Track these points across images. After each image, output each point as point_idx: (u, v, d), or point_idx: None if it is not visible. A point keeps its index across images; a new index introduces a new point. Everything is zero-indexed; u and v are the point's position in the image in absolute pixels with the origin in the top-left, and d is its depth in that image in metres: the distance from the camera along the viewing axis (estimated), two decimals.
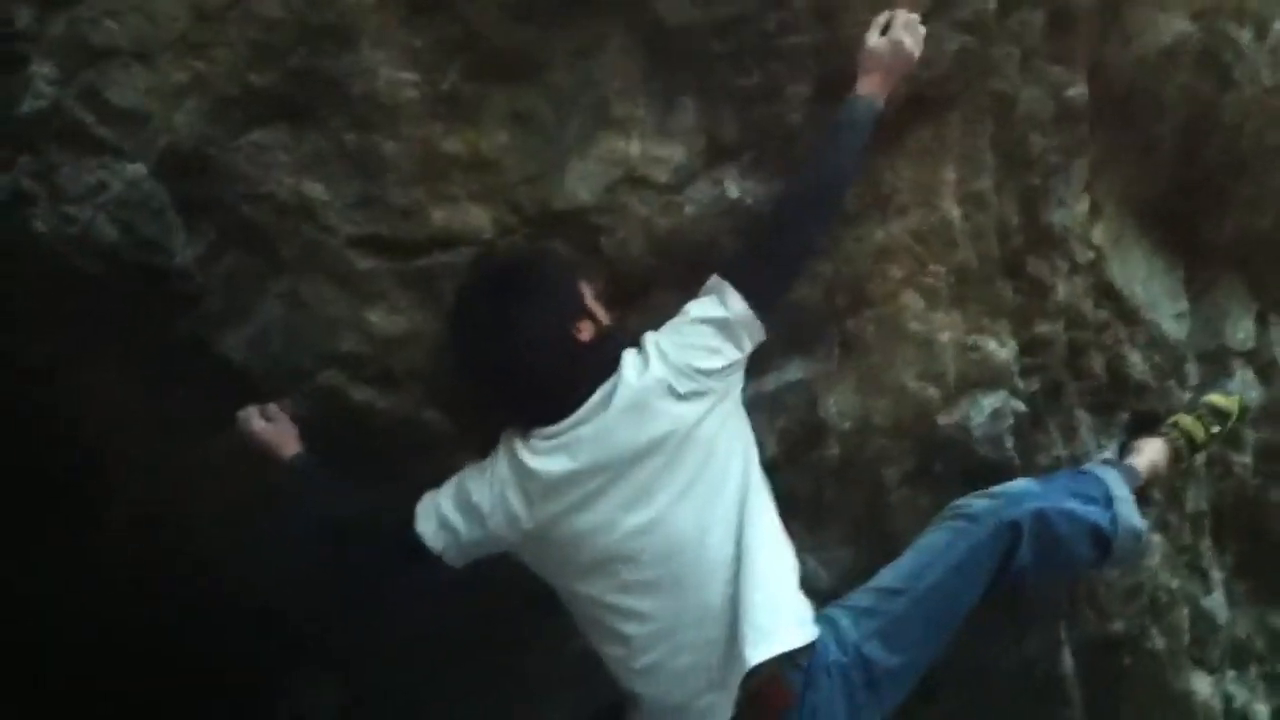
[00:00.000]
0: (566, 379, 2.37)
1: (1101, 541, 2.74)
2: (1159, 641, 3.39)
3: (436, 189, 2.46)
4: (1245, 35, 3.00)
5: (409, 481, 2.61)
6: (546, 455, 2.36)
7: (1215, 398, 3.24)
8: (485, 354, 2.38)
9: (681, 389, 2.33)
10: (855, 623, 2.48)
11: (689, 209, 2.56)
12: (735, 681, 2.34)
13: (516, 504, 2.38)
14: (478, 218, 2.49)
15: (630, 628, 2.40)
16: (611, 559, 2.36)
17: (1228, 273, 3.47)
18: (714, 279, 2.42)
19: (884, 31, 2.47)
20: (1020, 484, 2.78)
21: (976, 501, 2.68)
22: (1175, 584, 3.41)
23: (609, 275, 2.57)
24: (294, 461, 2.58)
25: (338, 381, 2.59)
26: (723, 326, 2.38)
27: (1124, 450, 3.20)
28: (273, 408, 2.59)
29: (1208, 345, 3.44)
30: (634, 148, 2.50)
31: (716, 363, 2.37)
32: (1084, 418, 3.11)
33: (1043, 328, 2.95)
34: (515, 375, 2.37)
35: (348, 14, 2.34)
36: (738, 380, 2.46)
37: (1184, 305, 3.30)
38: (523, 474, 2.37)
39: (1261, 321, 3.59)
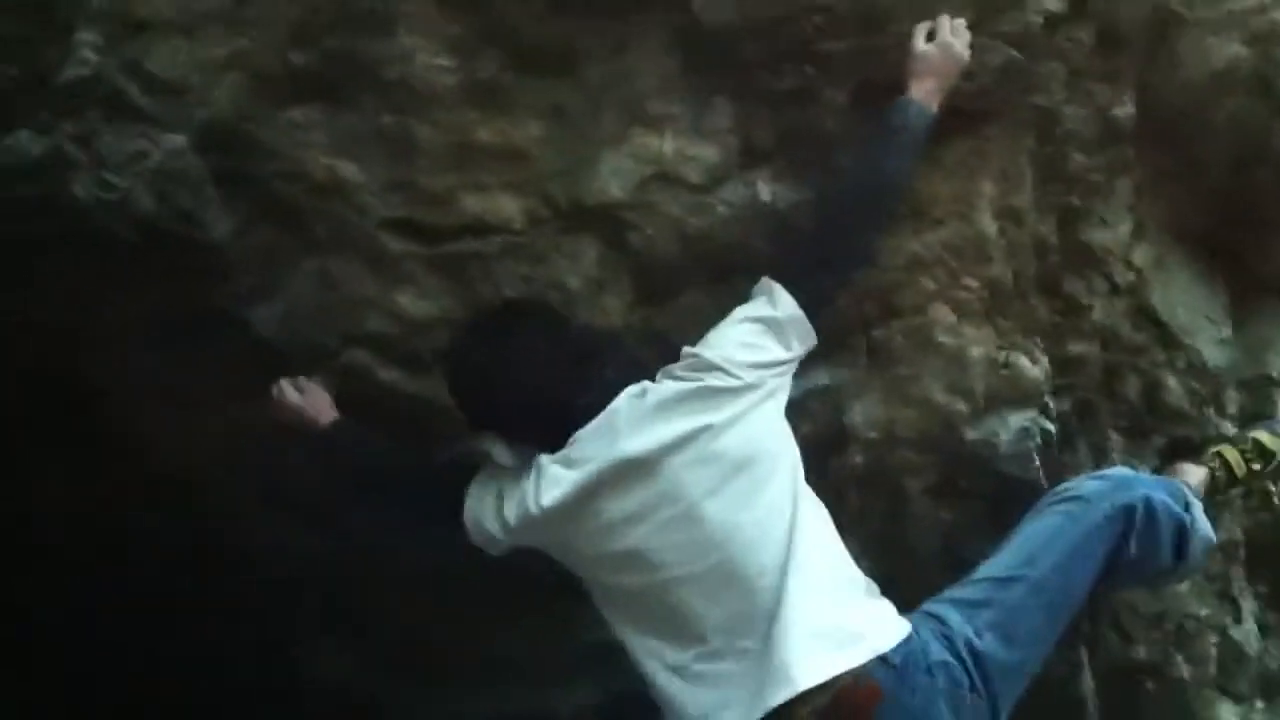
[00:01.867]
0: (577, 393, 2.34)
1: (1180, 545, 2.67)
2: (1184, 669, 3.34)
3: (469, 177, 2.48)
4: None
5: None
6: (570, 468, 2.31)
7: (1263, 435, 3.16)
8: (493, 377, 2.35)
9: (718, 384, 2.28)
10: (967, 618, 2.37)
11: (720, 210, 2.55)
12: (772, 699, 2.23)
13: (540, 516, 2.34)
14: (508, 207, 2.50)
15: (660, 625, 2.35)
16: (640, 552, 2.30)
17: (1275, 301, 3.41)
18: (764, 281, 2.38)
19: (929, 38, 2.45)
20: (1123, 470, 2.74)
21: (1085, 483, 2.63)
22: (1204, 612, 3.36)
23: (637, 274, 2.57)
24: (332, 427, 2.61)
25: (365, 361, 2.63)
26: (771, 325, 2.34)
27: (1160, 474, 3.16)
28: (303, 380, 2.62)
29: (1249, 374, 3.38)
30: (667, 146, 2.51)
31: (760, 357, 2.32)
32: (1116, 440, 3.07)
33: (1077, 347, 2.91)
34: (521, 394, 2.34)
35: None
36: (783, 385, 2.39)
37: (1227, 332, 3.25)
38: (548, 484, 2.32)
39: None
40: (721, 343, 2.34)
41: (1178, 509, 2.67)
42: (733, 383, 2.29)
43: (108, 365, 2.74)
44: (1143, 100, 2.85)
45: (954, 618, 2.37)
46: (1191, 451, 3.14)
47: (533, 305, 2.50)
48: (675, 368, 2.33)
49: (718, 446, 2.27)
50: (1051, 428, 2.86)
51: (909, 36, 2.45)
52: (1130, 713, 3.34)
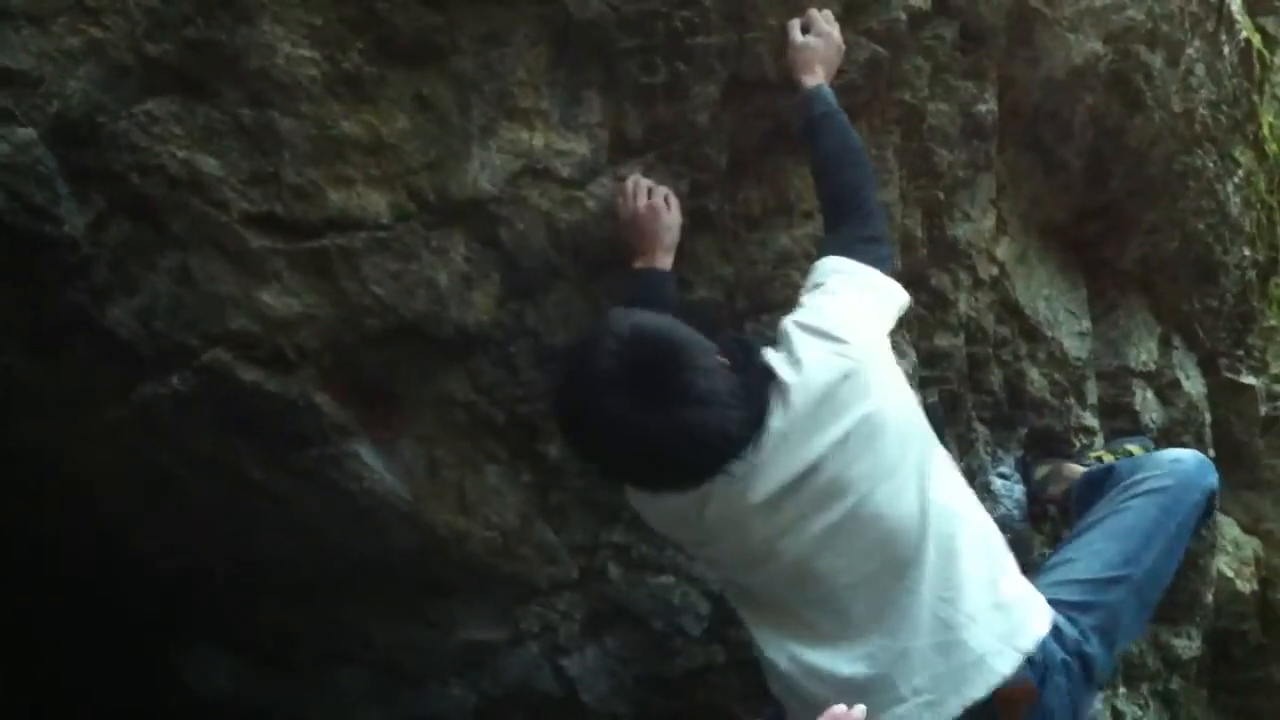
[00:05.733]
0: (744, 413, 2.13)
1: None
2: None
3: (333, 170, 2.41)
4: (1157, 60, 3.03)
5: (302, 467, 2.58)
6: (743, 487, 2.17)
7: (1136, 449, 3.25)
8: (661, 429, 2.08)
9: (851, 365, 2.16)
10: (1071, 620, 2.32)
11: (591, 204, 2.53)
12: (972, 692, 2.18)
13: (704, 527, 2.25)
14: (375, 202, 2.44)
15: (807, 628, 2.26)
16: (799, 562, 2.21)
17: (1132, 294, 3.51)
18: (855, 261, 2.30)
19: (804, 32, 2.47)
20: (1194, 454, 2.72)
21: (1173, 467, 2.60)
22: None
23: (507, 270, 2.54)
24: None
25: (226, 361, 2.54)
26: (886, 302, 2.30)
27: (1028, 466, 3.23)
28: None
29: (1109, 365, 3.47)
30: (537, 139, 2.47)
31: (879, 332, 2.26)
32: (982, 431, 3.13)
33: (943, 340, 2.96)
34: (705, 436, 2.10)
35: None
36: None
37: (1086, 324, 3.33)
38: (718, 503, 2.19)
39: (1164, 343, 3.63)
40: (844, 313, 2.23)
41: None
42: (864, 359, 2.18)
43: None
44: (1005, 97, 2.91)
45: (1060, 620, 2.31)
46: (1054, 441, 3.21)
47: (669, 337, 2.14)
48: (801, 346, 2.18)
49: (876, 434, 2.16)
50: None
51: (778, 32, 2.46)
52: None
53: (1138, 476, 2.61)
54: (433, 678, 3.06)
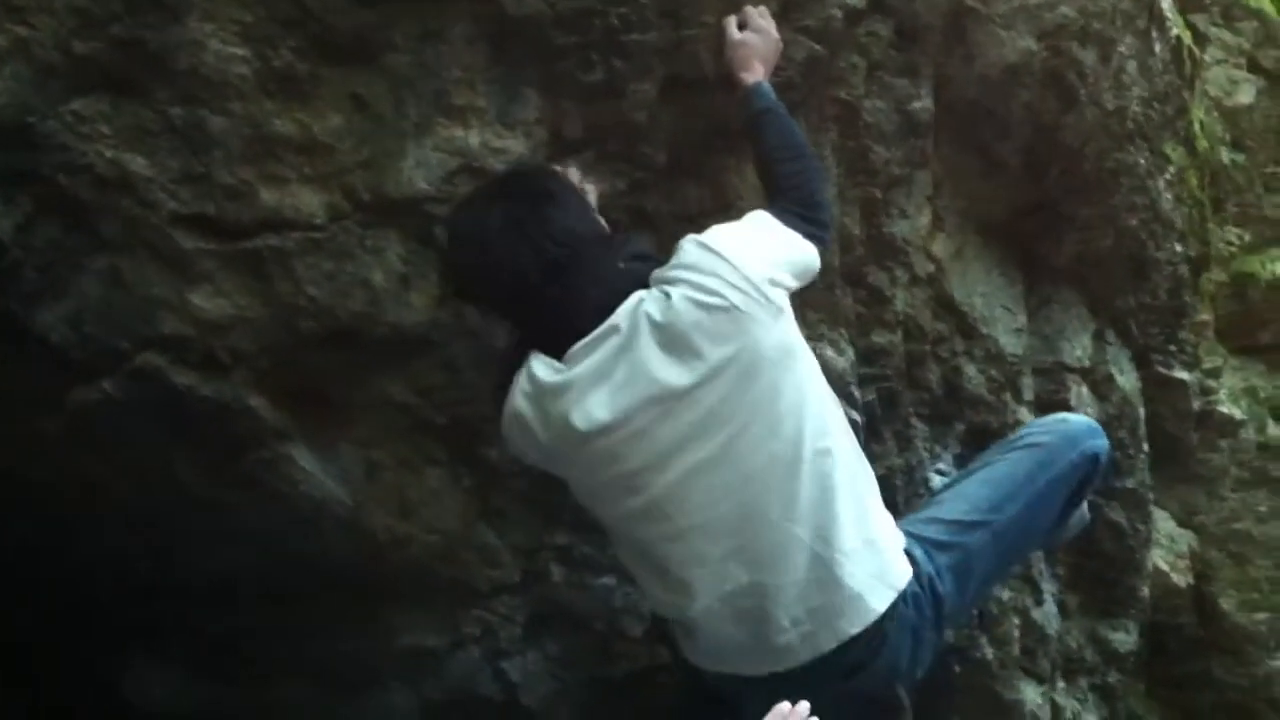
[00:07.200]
0: (600, 272, 2.23)
1: (1067, 508, 2.72)
2: (988, 651, 3.43)
3: (266, 169, 2.38)
4: (1089, 57, 3.06)
5: (238, 472, 2.54)
6: (581, 397, 2.19)
7: None
8: (515, 251, 2.24)
9: (739, 299, 2.16)
10: (929, 556, 2.36)
11: None
12: (850, 627, 2.22)
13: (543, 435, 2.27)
14: (309, 201, 2.42)
15: (686, 573, 2.26)
16: (662, 501, 2.21)
17: (1067, 290, 3.54)
18: (778, 217, 2.32)
19: (740, 29, 2.47)
20: (1083, 418, 2.79)
21: (1056, 426, 2.67)
22: (1006, 595, 3.46)
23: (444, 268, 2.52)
24: None
25: (158, 364, 2.51)
26: (797, 260, 2.30)
27: (966, 462, 3.24)
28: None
29: (1044, 361, 3.50)
30: (474, 138, 2.46)
31: (782, 278, 2.25)
32: (920, 428, 3.15)
33: (881, 337, 2.97)
34: (551, 272, 2.23)
35: None
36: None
37: (1022, 320, 3.36)
38: (553, 401, 2.22)
39: (1098, 339, 3.66)
40: (745, 245, 2.24)
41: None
42: (757, 298, 2.18)
43: None
44: (941, 95, 2.93)
45: (917, 553, 2.36)
46: (992, 436, 3.23)
47: (539, 175, 2.39)
48: (684, 273, 2.20)
49: (750, 374, 2.16)
50: (858, 417, 2.91)
51: (715, 29, 2.47)
52: (938, 695, 3.40)
53: (1023, 432, 2.71)
54: (374, 683, 3.03)
